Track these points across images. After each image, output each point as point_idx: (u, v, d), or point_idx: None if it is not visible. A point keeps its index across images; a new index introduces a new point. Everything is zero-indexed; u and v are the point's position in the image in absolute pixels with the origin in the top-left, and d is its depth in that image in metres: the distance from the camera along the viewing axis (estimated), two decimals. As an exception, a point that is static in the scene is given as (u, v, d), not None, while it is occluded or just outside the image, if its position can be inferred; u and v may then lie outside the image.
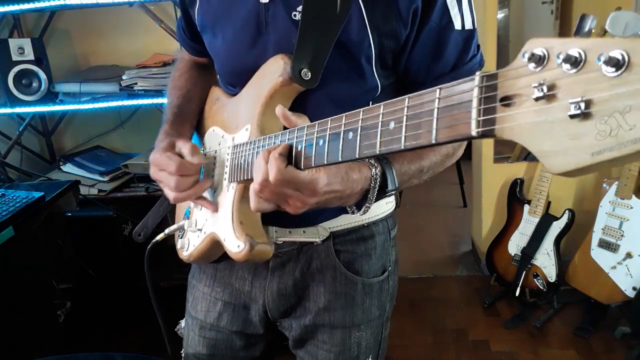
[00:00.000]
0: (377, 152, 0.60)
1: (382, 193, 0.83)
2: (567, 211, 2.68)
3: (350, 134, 0.65)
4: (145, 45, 2.81)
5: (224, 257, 1.08)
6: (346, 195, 0.80)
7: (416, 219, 3.98)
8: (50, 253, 2.44)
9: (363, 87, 0.94)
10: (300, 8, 0.87)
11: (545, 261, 2.71)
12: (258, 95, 0.94)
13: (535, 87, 0.40)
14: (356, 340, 1.12)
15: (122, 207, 2.58)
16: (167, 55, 2.68)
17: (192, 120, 1.16)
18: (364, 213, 0.85)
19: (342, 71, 0.91)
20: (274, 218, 0.98)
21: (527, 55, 0.41)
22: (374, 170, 0.81)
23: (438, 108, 0.51)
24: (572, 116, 0.38)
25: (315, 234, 1.03)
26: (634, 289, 2.45)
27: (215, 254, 1.09)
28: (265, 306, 1.11)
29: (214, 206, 1.00)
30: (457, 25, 0.89)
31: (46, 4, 2.46)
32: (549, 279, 2.70)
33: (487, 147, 3.01)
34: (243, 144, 0.93)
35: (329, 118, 0.70)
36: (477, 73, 0.46)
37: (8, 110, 2.65)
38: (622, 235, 2.51)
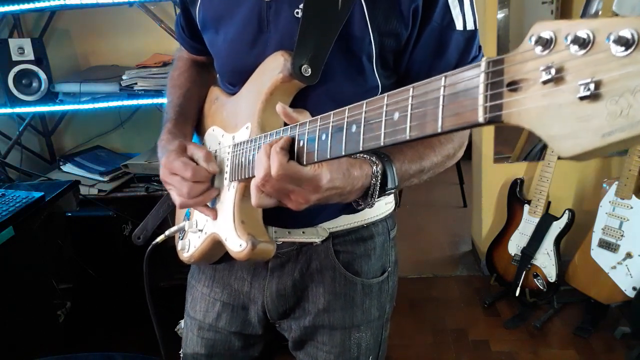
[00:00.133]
0: (382, 144, 0.60)
1: (381, 191, 0.83)
2: (567, 211, 2.68)
3: (354, 127, 0.65)
4: (145, 45, 2.81)
5: (224, 257, 1.08)
6: (347, 191, 0.80)
7: (416, 219, 3.98)
8: (50, 253, 2.43)
9: (363, 85, 0.94)
10: (302, 5, 0.87)
11: (545, 261, 2.71)
12: (258, 92, 0.94)
13: (542, 70, 0.40)
14: (356, 341, 1.11)
15: (122, 207, 2.58)
16: (167, 55, 2.68)
17: (193, 119, 1.16)
18: (370, 207, 0.85)
19: (342, 69, 0.91)
20: (273, 218, 0.98)
21: (534, 39, 0.41)
22: (375, 167, 0.81)
23: (444, 96, 0.50)
24: (581, 98, 0.37)
25: (314, 235, 1.03)
26: (634, 289, 2.45)
27: (216, 254, 1.08)
28: (264, 307, 1.10)
29: (214, 213, 0.99)
30: (459, 26, 0.89)
31: (46, 4, 2.46)
32: (549, 279, 2.70)
33: (487, 147, 3.01)
34: (243, 143, 0.92)
35: (331, 112, 0.70)
36: (483, 58, 0.46)
37: (8, 110, 2.65)
38: (622, 235, 2.51)
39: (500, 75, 0.45)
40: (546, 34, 0.40)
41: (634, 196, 2.48)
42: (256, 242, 0.90)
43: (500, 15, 3.14)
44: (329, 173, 0.75)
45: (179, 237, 1.14)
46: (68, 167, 2.70)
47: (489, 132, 2.97)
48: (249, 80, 0.98)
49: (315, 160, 0.72)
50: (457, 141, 0.98)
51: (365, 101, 0.64)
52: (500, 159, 3.06)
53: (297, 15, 0.88)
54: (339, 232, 1.06)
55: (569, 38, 0.38)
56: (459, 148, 0.99)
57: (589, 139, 0.37)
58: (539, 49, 0.41)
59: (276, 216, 0.95)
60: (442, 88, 0.51)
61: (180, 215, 1.17)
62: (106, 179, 2.63)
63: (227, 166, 0.98)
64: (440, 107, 0.51)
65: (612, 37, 0.35)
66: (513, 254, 2.85)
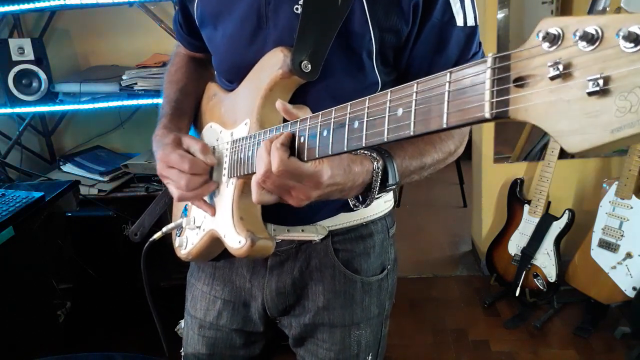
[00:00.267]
0: (385, 140, 0.60)
1: (382, 187, 0.83)
2: (567, 211, 2.68)
3: (356, 123, 0.64)
4: (145, 45, 2.81)
5: (223, 254, 1.08)
6: (347, 187, 0.79)
7: (416, 219, 3.98)
8: (50, 253, 2.43)
9: (363, 82, 0.93)
10: (302, 1, 0.87)
11: (545, 261, 2.71)
12: (257, 88, 0.93)
13: (550, 66, 0.40)
14: (356, 339, 1.11)
15: (122, 207, 2.57)
16: (167, 55, 2.67)
17: (190, 115, 1.16)
18: (367, 206, 0.85)
19: (342, 65, 0.91)
20: (272, 216, 0.98)
21: (541, 35, 0.41)
22: (375, 163, 0.81)
23: (449, 91, 0.50)
24: (590, 93, 0.37)
25: (313, 232, 1.03)
26: (634, 289, 2.45)
27: (214, 251, 1.08)
28: (264, 304, 1.10)
29: (212, 209, 0.99)
30: (459, 22, 0.89)
31: (46, 4, 2.46)
32: (549, 279, 2.70)
33: (487, 147, 3.01)
34: (242, 139, 0.92)
35: (333, 108, 0.69)
36: (489, 54, 0.46)
37: (8, 110, 2.65)
38: (622, 235, 2.51)
39: (507, 71, 0.44)
40: (554, 30, 0.40)
41: (634, 196, 2.48)
42: (255, 239, 0.89)
43: (500, 15, 3.15)
44: (329, 169, 0.75)
45: (176, 234, 1.13)
46: (68, 167, 2.70)
47: (489, 132, 2.97)
48: (247, 76, 0.98)
49: (317, 156, 0.72)
50: (458, 138, 0.98)
51: (367, 97, 0.63)
52: (500, 159, 3.07)
53: (296, 12, 0.88)
54: (338, 230, 1.06)
55: (577, 34, 0.38)
56: (460, 145, 0.99)
57: (597, 135, 0.37)
58: (546, 44, 0.41)
59: (275, 213, 0.95)
60: (447, 84, 0.51)
61: (177, 212, 1.17)
62: (106, 179, 2.63)
63: (225, 162, 0.98)
64: (446, 102, 0.51)
65: (621, 33, 0.35)
66: (513, 254, 2.85)
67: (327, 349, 1.11)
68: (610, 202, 2.57)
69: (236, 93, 1.02)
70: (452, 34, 0.89)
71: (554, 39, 0.40)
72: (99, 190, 2.60)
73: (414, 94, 0.55)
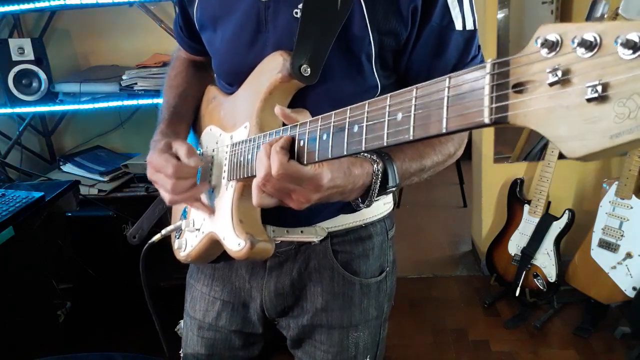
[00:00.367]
0: (385, 144, 0.60)
1: (382, 189, 0.83)
2: (567, 211, 2.68)
3: (356, 127, 0.65)
4: (145, 45, 2.81)
5: (222, 256, 1.08)
6: (348, 190, 0.80)
7: (416, 219, 3.98)
8: (50, 253, 2.44)
9: (363, 85, 0.94)
10: (301, 5, 0.87)
11: (545, 261, 2.71)
12: (257, 92, 0.93)
13: (549, 72, 0.40)
14: (354, 341, 1.11)
15: (122, 207, 2.57)
16: (167, 55, 2.67)
17: (189, 119, 1.16)
18: (368, 206, 0.85)
19: (342, 68, 0.91)
20: (271, 217, 0.98)
21: (539, 41, 0.41)
22: (375, 165, 0.82)
23: (448, 97, 0.51)
24: (589, 100, 0.37)
25: (313, 234, 1.03)
26: (634, 289, 2.45)
27: (213, 253, 1.08)
28: (262, 305, 1.11)
29: (210, 209, 0.99)
30: (458, 26, 0.89)
31: (46, 4, 2.46)
32: (549, 279, 2.70)
33: (487, 147, 3.01)
34: (242, 142, 0.92)
35: (332, 112, 0.69)
36: (489, 60, 0.46)
37: (8, 110, 2.65)
38: (622, 235, 2.51)
39: (506, 76, 0.45)
40: (552, 37, 0.40)
41: (634, 196, 2.48)
42: (255, 241, 0.90)
43: (500, 15, 3.14)
44: (329, 172, 0.75)
45: (176, 236, 1.13)
46: (68, 167, 2.70)
47: (489, 132, 2.97)
48: (247, 79, 0.98)
49: (316, 159, 0.72)
50: (457, 140, 0.98)
51: (367, 101, 0.64)
52: (500, 159, 3.07)
53: (296, 15, 0.89)
54: (338, 231, 1.06)
55: (576, 41, 0.38)
56: (459, 147, 0.99)
57: (596, 141, 0.37)
58: (545, 51, 0.41)
59: (274, 215, 0.95)
60: (446, 89, 0.51)
61: (177, 214, 1.17)
62: (106, 179, 2.63)
63: (225, 165, 0.98)
64: (445, 108, 0.51)
65: (619, 40, 0.35)
66: (513, 254, 2.85)
67: (324, 350, 1.11)
68: (610, 202, 2.57)
69: (236, 96, 1.03)
70: (451, 37, 0.89)
71: (552, 45, 0.40)
72: (99, 190, 2.60)
73: (414, 99, 0.55)
